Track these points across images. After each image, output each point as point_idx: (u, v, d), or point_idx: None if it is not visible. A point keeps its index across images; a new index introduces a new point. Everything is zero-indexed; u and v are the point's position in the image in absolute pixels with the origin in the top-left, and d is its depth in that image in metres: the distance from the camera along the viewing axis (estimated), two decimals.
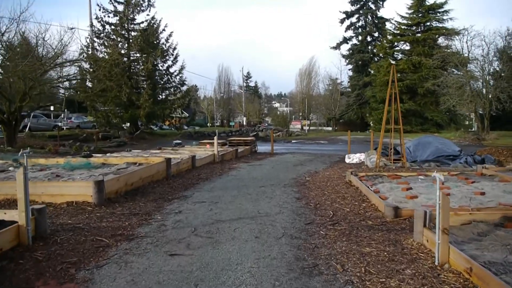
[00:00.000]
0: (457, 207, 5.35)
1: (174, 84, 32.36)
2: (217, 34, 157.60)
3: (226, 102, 71.65)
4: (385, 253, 4.01)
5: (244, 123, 60.38)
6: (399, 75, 36.79)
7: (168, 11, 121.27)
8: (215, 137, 13.03)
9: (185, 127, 39.57)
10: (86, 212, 5.74)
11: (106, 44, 29.36)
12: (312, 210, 6.00)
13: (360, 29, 52.20)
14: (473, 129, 31.46)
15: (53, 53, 16.15)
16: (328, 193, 7.22)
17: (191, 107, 45.57)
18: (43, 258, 3.91)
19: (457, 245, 3.87)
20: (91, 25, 28.85)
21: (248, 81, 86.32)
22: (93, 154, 12.23)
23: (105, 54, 28.06)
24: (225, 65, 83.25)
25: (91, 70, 24.49)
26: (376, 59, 48.18)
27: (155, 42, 30.59)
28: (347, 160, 13.37)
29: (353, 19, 52.24)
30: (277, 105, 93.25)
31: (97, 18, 29.59)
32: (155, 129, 36.36)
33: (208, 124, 65.61)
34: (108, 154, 12.24)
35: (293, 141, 29.14)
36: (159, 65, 31.34)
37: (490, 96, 24.72)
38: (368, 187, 6.85)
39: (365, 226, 5.04)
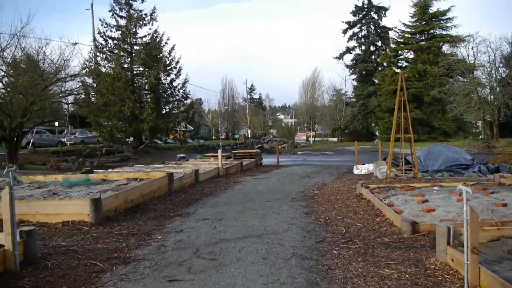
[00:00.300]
0: (480, 221, 4.95)
1: (177, 97, 32.24)
2: (220, 47, 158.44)
3: (231, 114, 71.52)
4: (407, 276, 3.61)
5: (249, 136, 60.13)
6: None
7: (171, 24, 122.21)
8: (219, 150, 12.72)
9: (190, 141, 39.30)
10: (82, 233, 5.40)
11: (109, 58, 29.35)
12: (322, 226, 5.62)
13: (363, 38, 52.06)
14: (481, 137, 30.92)
15: (54, 68, 15.98)
16: (338, 207, 6.83)
17: (195, 120, 45.35)
18: (30, 287, 3.56)
19: (488, 265, 3.48)
20: (94, 40, 28.92)
21: (252, 93, 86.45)
22: (95, 170, 11.95)
23: (108, 68, 28.03)
24: (229, 78, 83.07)
25: (94, 84, 24.40)
26: (380, 68, 47.90)
27: (158, 56, 30.57)
28: (355, 171, 12.97)
29: (356, 29, 52.20)
30: (281, 116, 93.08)
31: (99, 33, 29.71)
32: (159, 143, 36.14)
33: (212, 137, 65.42)
34: (109, 170, 11.95)
35: (298, 152, 28.75)
36: (162, 78, 31.28)
37: (498, 103, 24.25)
38: (381, 200, 6.46)
39: (381, 244, 4.65)
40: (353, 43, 52.28)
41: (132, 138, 30.12)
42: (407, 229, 4.95)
